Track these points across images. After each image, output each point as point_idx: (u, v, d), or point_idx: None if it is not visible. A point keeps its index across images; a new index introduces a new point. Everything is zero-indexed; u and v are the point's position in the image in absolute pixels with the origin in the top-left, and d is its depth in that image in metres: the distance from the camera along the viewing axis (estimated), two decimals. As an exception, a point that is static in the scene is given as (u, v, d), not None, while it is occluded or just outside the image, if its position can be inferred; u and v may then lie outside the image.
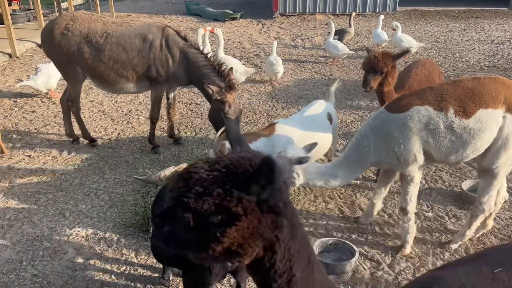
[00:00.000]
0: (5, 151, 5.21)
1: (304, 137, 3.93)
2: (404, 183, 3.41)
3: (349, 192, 4.41)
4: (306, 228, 3.81)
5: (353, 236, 3.72)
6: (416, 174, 3.29)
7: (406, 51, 4.33)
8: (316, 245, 3.41)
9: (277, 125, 3.97)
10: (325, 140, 4.11)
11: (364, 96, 7.25)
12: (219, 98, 4.54)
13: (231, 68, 4.90)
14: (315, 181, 3.34)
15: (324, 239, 3.49)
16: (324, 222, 3.92)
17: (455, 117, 3.07)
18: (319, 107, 4.34)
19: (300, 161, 3.03)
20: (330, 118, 4.29)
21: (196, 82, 4.91)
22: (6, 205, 4.18)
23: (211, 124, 4.97)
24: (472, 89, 3.12)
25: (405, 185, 3.36)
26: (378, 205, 3.85)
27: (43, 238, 3.70)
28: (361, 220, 3.89)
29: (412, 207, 3.39)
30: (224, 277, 2.68)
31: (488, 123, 3.07)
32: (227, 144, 3.70)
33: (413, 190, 3.35)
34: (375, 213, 3.89)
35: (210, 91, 4.52)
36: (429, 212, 4.07)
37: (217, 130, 4.45)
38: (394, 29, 9.40)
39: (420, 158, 3.20)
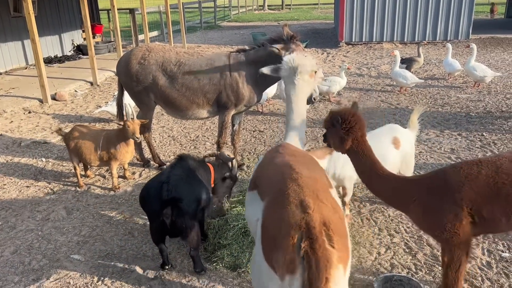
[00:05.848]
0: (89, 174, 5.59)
1: None
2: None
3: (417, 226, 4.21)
4: (370, 262, 3.69)
5: (420, 273, 3.54)
6: None
7: None
8: (380, 280, 3.29)
9: None
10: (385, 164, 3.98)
11: (434, 126, 6.97)
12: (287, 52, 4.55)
13: (285, 24, 4.92)
14: None
15: (388, 275, 3.36)
16: (389, 257, 3.77)
17: None
18: (386, 130, 4.26)
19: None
20: (396, 143, 4.12)
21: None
22: (82, 223, 4.47)
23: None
24: None
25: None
26: None
27: (113, 256, 3.90)
28: None
29: None
30: (164, 232, 3.46)
31: None
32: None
33: None
34: None
35: (277, 51, 4.57)
36: (505, 252, 3.78)
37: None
38: (469, 46, 9.04)
39: None
